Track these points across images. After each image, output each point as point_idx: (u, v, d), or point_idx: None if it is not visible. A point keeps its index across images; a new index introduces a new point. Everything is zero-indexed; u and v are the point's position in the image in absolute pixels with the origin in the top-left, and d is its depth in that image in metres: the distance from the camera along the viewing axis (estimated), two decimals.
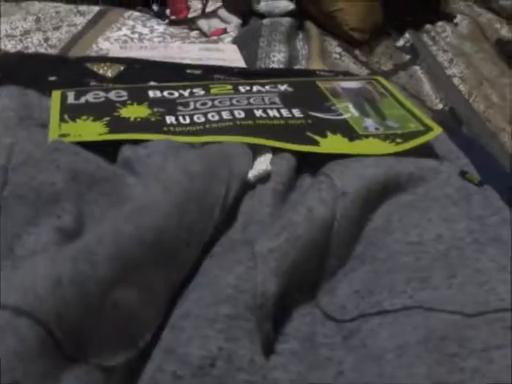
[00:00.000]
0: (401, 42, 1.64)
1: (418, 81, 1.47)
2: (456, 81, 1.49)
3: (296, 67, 1.36)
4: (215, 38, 1.48)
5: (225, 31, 1.51)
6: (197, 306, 0.54)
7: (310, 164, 0.76)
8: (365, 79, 0.99)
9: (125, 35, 1.52)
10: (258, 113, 0.83)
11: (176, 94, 0.90)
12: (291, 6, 1.61)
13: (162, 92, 0.90)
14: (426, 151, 0.80)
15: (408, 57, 1.57)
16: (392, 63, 1.54)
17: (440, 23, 1.84)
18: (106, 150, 0.77)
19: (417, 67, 1.53)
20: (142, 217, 0.56)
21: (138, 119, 0.82)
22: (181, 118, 0.82)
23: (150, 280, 0.54)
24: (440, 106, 1.37)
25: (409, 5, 1.76)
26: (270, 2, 1.60)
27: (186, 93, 0.90)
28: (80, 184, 0.68)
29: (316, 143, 0.77)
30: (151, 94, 0.90)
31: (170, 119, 0.82)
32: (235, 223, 0.66)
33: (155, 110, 0.84)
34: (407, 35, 1.68)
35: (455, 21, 1.90)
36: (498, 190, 0.78)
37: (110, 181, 0.71)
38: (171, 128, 0.80)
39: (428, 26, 1.78)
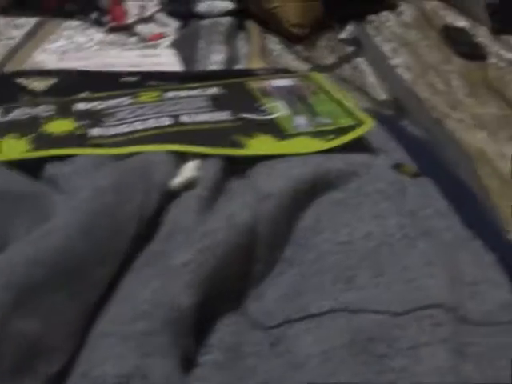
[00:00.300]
0: (343, 35, 1.63)
1: (361, 72, 1.46)
2: (400, 70, 1.48)
3: (236, 67, 1.34)
4: (154, 42, 1.45)
5: (164, 35, 1.49)
6: (113, 324, 0.53)
7: (240, 166, 0.74)
8: (298, 76, 0.98)
9: (62, 46, 1.49)
10: (185, 118, 0.81)
11: (103, 105, 0.87)
12: (231, 6, 1.58)
13: (89, 104, 0.88)
14: (359, 146, 0.79)
15: (351, 49, 1.55)
16: (335, 56, 1.52)
17: (384, 13, 1.83)
18: (33, 167, 0.75)
19: (360, 59, 1.51)
20: (44, 239, 0.54)
21: (63, 134, 0.80)
22: (106, 130, 0.80)
23: (55, 304, 0.52)
24: (384, 97, 1.35)
25: None
26: (209, 2, 1.58)
27: (114, 103, 0.88)
28: (5, 204, 0.65)
29: (243, 146, 0.76)
30: (79, 106, 0.88)
31: (95, 131, 0.80)
32: (159, 234, 0.64)
33: (81, 122, 0.82)
34: (350, 27, 1.66)
35: (399, 9, 1.89)
36: (435, 180, 0.77)
37: (37, 200, 0.69)
38: (96, 140, 0.78)
39: (371, 17, 1.77)
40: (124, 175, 0.66)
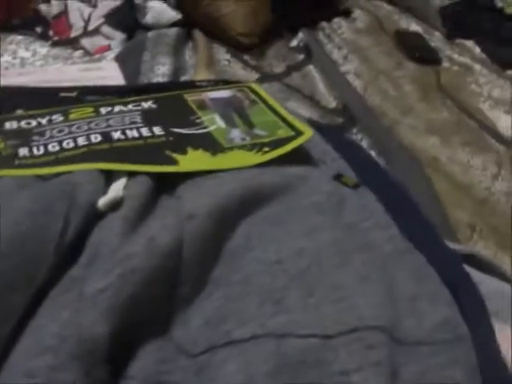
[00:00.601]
0: (294, 43, 1.61)
1: (311, 80, 1.44)
2: (350, 77, 1.46)
3: (183, 78, 1.32)
4: (99, 55, 1.42)
5: (109, 48, 1.46)
6: (19, 359, 0.49)
7: (171, 184, 0.71)
8: (236, 87, 0.95)
9: (7, 61, 1.46)
10: (116, 135, 0.78)
11: (34, 123, 0.84)
12: (178, 16, 1.56)
13: (19, 122, 0.84)
14: (297, 157, 0.76)
15: (301, 57, 1.53)
16: (285, 64, 1.50)
17: (336, 19, 1.81)
18: None
19: (310, 66, 1.49)
20: None
21: None
22: (35, 149, 0.76)
23: None
24: (334, 105, 1.33)
25: (302, 4, 1.72)
26: (155, 13, 1.55)
27: (44, 121, 0.84)
28: None
29: (175, 162, 0.72)
30: (7, 125, 0.84)
31: (23, 151, 0.76)
32: (80, 259, 0.61)
33: (9, 142, 0.79)
34: (301, 35, 1.64)
35: (353, 16, 1.88)
36: (375, 190, 0.74)
37: None
38: (23, 161, 0.74)
39: (323, 24, 1.75)
40: (43, 198, 0.62)
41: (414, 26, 1.86)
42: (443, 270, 0.61)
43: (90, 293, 0.53)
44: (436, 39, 1.81)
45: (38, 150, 0.76)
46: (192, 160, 0.73)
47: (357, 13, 1.90)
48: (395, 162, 1.08)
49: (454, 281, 0.60)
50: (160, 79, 1.26)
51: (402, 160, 1.10)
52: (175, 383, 0.52)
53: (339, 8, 1.90)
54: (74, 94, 1.01)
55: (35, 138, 0.79)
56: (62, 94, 1.01)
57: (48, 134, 0.80)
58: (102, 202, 0.65)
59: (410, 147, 1.20)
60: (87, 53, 1.46)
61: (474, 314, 0.57)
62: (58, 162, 0.73)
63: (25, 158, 0.75)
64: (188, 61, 1.42)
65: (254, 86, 0.93)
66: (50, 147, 0.77)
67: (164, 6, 1.56)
